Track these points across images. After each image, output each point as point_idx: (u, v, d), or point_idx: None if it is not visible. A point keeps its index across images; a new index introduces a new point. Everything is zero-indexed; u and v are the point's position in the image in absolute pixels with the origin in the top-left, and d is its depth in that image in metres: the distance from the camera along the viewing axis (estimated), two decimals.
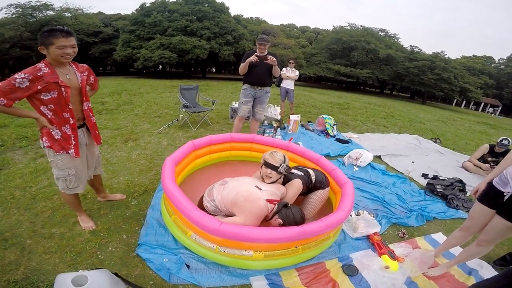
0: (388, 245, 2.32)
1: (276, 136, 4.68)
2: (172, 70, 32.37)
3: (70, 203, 2.07)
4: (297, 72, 6.54)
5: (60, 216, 2.22)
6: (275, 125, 4.95)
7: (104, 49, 24.36)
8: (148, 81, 14.37)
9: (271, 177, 2.10)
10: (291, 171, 2.34)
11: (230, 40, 20.55)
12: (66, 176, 1.87)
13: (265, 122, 5.06)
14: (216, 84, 13.61)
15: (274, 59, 3.48)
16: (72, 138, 1.80)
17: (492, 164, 4.27)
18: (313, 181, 2.37)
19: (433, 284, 1.97)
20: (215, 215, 2.06)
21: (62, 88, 1.67)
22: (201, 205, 2.16)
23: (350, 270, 2.01)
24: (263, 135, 4.52)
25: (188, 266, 1.85)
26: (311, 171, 2.43)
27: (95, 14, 27.08)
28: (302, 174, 2.35)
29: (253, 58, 3.42)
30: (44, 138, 1.74)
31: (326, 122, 5.47)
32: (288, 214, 1.93)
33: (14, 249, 1.84)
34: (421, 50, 27.88)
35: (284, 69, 6.47)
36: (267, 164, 2.09)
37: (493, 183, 1.74)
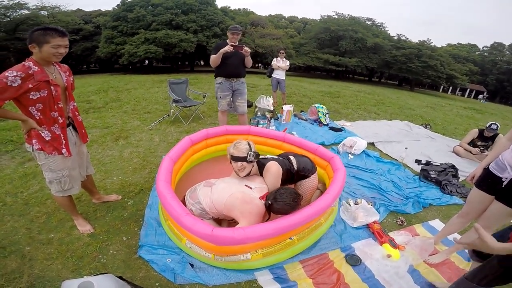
0: (388, 233, 2.35)
1: (270, 127, 4.65)
2: (159, 64, 31.72)
3: (65, 206, 2.02)
4: (287, 62, 6.51)
5: (56, 220, 2.16)
6: (268, 116, 4.91)
7: (86, 47, 23.57)
8: (135, 77, 13.99)
9: (244, 169, 1.99)
10: (264, 156, 2.24)
11: (218, 32, 20.22)
12: (60, 178, 1.82)
13: (258, 113, 5.00)
14: (206, 77, 13.37)
15: (248, 50, 3.39)
16: (62, 138, 1.75)
17: (481, 148, 4.37)
18: (295, 167, 2.21)
19: (435, 272, 2.00)
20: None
21: (52, 87, 1.63)
22: None
23: (353, 260, 2.02)
24: (257, 126, 4.47)
25: (192, 265, 1.83)
26: (292, 158, 2.27)
27: (73, 11, 26.12)
28: (280, 158, 2.23)
29: (228, 48, 3.27)
30: (34, 141, 1.68)
31: (318, 111, 5.48)
32: (278, 200, 1.82)
33: (14, 257, 1.79)
34: (407, 38, 28.18)
35: (275, 59, 6.45)
36: (235, 158, 1.97)
37: (490, 168, 1.73)
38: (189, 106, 4.96)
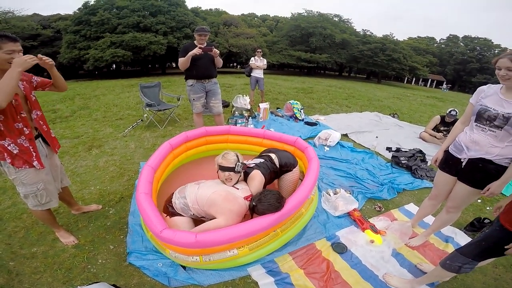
0: (368, 220, 2.45)
1: (249, 125, 4.69)
2: (128, 68, 30.42)
3: (44, 220, 1.94)
4: (265, 61, 6.64)
5: (36, 234, 2.08)
6: (246, 114, 4.95)
7: (46, 53, 21.90)
8: (103, 83, 13.31)
9: (231, 179, 2.03)
10: (249, 163, 2.27)
11: (189, 33, 19.82)
12: (36, 192, 1.74)
13: (236, 112, 5.02)
14: (178, 79, 13.04)
15: (217, 51, 3.38)
16: (32, 150, 1.66)
17: (444, 132, 4.75)
18: (277, 164, 2.31)
19: (417, 254, 2.11)
20: (180, 214, 1.98)
21: None
22: (169, 203, 2.06)
23: (340, 248, 2.09)
24: (235, 125, 4.49)
25: (184, 268, 1.82)
26: (273, 156, 2.36)
27: (29, 16, 24.42)
28: (262, 161, 2.28)
29: (197, 50, 3.22)
30: (5, 155, 1.58)
31: (293, 107, 5.62)
32: (263, 201, 1.86)
33: (0, 273, 1.71)
34: (372, 33, 29.68)
35: (252, 58, 6.53)
36: (223, 168, 2.00)
37: (450, 150, 1.83)
38: (164, 110, 4.85)
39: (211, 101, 3.77)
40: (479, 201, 2.99)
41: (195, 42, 3.42)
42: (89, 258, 1.88)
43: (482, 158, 1.60)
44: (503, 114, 1.50)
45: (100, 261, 1.86)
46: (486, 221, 2.45)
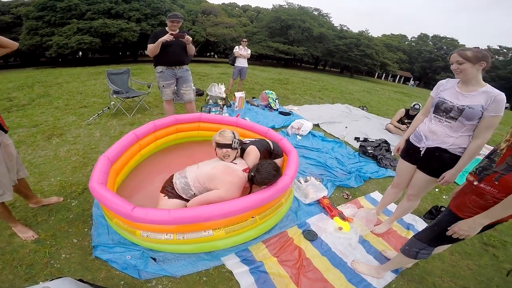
0: (337, 207, 2.53)
1: (223, 114, 4.65)
2: (96, 56, 28.50)
3: None
4: (249, 51, 6.65)
5: None
6: (220, 103, 4.89)
7: None
8: (67, 70, 12.34)
9: (229, 156, 2.11)
10: (245, 140, 2.39)
11: (165, 20, 18.68)
12: None
13: (210, 101, 4.94)
14: (151, 67, 12.45)
15: (190, 38, 3.31)
16: None
17: (408, 125, 5.07)
18: (272, 146, 2.43)
19: (382, 241, 2.21)
20: (178, 196, 2.00)
21: None
22: (169, 183, 2.07)
23: (311, 235, 2.14)
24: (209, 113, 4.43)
25: (154, 259, 1.77)
26: (268, 141, 2.50)
27: None
28: (258, 140, 2.41)
29: (167, 37, 3.12)
30: None
31: (269, 97, 5.67)
32: (260, 170, 1.92)
33: None
34: (349, 28, 30.33)
35: (237, 47, 6.52)
36: (221, 145, 2.08)
37: (410, 140, 1.92)
38: (133, 97, 4.63)
39: (182, 88, 3.68)
40: (436, 190, 3.21)
41: (166, 28, 3.30)
42: (52, 253, 1.77)
43: (438, 147, 1.70)
44: (457, 107, 1.60)
45: (63, 255, 1.77)
46: (443, 209, 2.61)
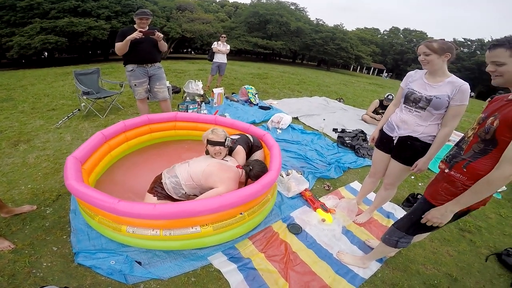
0: (319, 199, 2.56)
1: (202, 111, 4.57)
2: (64, 55, 26.86)
3: None
4: (228, 46, 6.56)
5: None
6: (198, 100, 4.80)
7: None
8: (31, 72, 11.52)
9: (221, 153, 2.15)
10: (231, 136, 2.40)
11: None
12: None
13: (187, 98, 4.83)
14: (123, 65, 12.02)
15: (161, 35, 3.23)
16: None
17: (382, 115, 5.25)
18: (252, 140, 2.56)
19: (364, 231, 2.25)
20: (169, 196, 2.00)
21: None
22: (158, 184, 2.05)
23: (295, 229, 2.16)
24: (187, 111, 4.34)
25: (139, 263, 1.72)
26: (248, 135, 2.63)
27: None
28: (240, 136, 2.50)
29: (136, 34, 3.01)
30: None
31: (248, 92, 5.65)
32: (255, 167, 2.11)
33: None
34: (324, 22, 30.99)
35: (215, 43, 6.40)
36: (213, 143, 2.11)
37: (384, 129, 1.97)
38: (104, 98, 4.43)
39: (155, 86, 3.56)
40: (412, 177, 3.35)
41: (135, 26, 3.17)
42: (32, 262, 1.70)
43: (410, 136, 1.77)
44: (426, 97, 1.66)
45: (45, 264, 1.69)
46: (419, 196, 2.70)
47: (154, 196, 1.99)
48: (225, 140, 2.14)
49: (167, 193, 1.99)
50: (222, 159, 2.18)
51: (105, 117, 4.24)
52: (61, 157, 3.00)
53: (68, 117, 4.11)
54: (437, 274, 1.97)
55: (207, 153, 2.23)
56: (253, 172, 2.09)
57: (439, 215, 1.28)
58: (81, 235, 1.91)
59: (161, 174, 2.09)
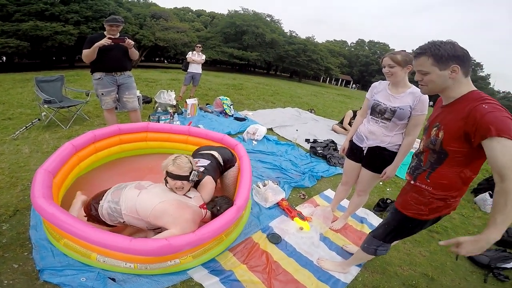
0: (295, 208, 2.61)
1: (174, 123, 4.48)
2: (24, 61, 24.91)
3: None
4: (203, 56, 6.52)
5: None
6: (171, 111, 4.70)
7: None
8: None
9: (183, 188, 1.79)
10: (198, 167, 2.05)
11: None
12: None
13: (159, 109, 4.71)
14: (90, 73, 11.44)
15: (132, 42, 3.16)
16: None
17: None
18: (222, 163, 2.25)
19: (341, 236, 2.32)
20: (101, 221, 1.76)
21: None
22: (94, 201, 1.80)
23: (275, 238, 2.16)
24: (158, 122, 4.22)
25: (113, 279, 1.59)
26: (215, 153, 2.26)
27: None
28: (208, 162, 2.13)
29: (105, 41, 2.92)
30: None
31: (223, 103, 5.66)
32: (222, 207, 1.88)
33: None
34: (297, 34, 32.24)
35: (190, 53, 6.34)
36: (174, 176, 1.73)
37: (353, 140, 2.05)
38: (68, 107, 4.16)
39: (124, 95, 3.42)
40: (381, 183, 3.54)
41: (105, 33, 3.06)
42: None
43: (378, 146, 1.88)
44: (390, 108, 1.77)
45: (6, 282, 1.54)
46: (388, 201, 2.90)
47: (85, 216, 1.77)
48: (190, 173, 1.76)
49: (100, 218, 1.73)
50: (185, 194, 1.83)
51: (68, 128, 3.97)
52: (18, 171, 2.75)
53: (27, 127, 3.79)
54: (414, 275, 2.07)
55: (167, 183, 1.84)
56: (221, 212, 1.83)
57: (477, 250, 1.04)
58: (44, 251, 1.75)
59: (106, 190, 1.81)
